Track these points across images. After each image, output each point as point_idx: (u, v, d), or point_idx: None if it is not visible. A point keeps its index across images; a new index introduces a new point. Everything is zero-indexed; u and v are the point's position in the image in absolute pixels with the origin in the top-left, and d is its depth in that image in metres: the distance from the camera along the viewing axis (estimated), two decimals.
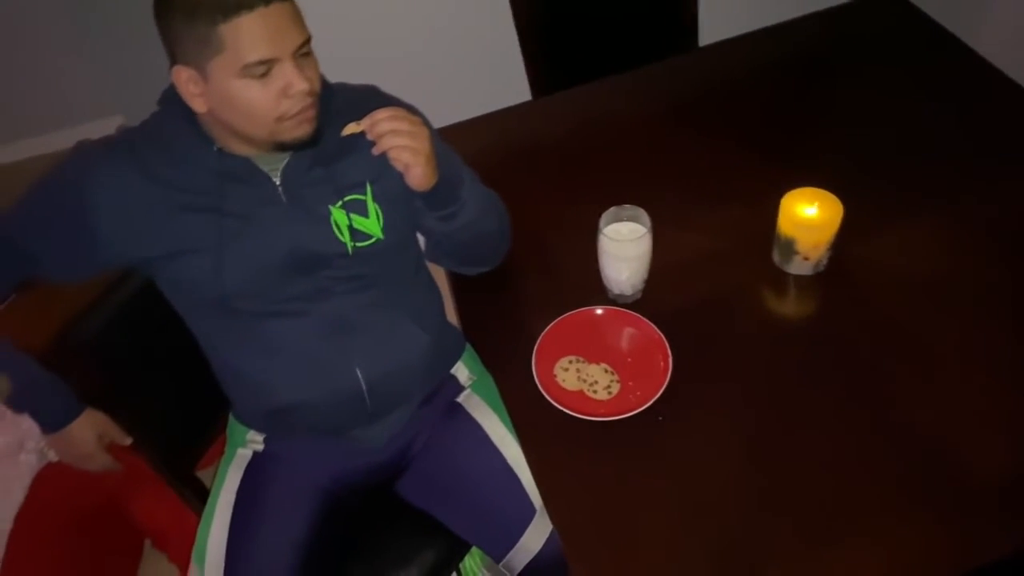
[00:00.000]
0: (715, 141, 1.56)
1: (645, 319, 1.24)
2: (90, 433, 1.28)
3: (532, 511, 1.22)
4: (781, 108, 1.62)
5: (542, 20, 1.81)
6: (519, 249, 1.35)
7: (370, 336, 1.22)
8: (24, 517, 1.68)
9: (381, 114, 1.07)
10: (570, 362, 1.22)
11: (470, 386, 1.36)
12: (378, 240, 1.17)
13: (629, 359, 1.22)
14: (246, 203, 1.11)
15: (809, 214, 1.26)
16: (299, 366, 1.21)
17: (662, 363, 1.19)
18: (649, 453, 1.13)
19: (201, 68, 1.00)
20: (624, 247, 1.22)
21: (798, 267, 1.29)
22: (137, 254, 1.13)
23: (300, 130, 1.07)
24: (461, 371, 1.37)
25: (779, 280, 1.31)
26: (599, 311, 1.27)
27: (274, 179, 1.12)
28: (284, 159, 1.12)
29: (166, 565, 1.82)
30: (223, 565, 1.20)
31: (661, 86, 1.71)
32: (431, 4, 2.19)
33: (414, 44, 2.24)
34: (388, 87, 1.24)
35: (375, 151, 1.07)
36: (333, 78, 1.19)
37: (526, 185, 1.50)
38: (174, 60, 1.02)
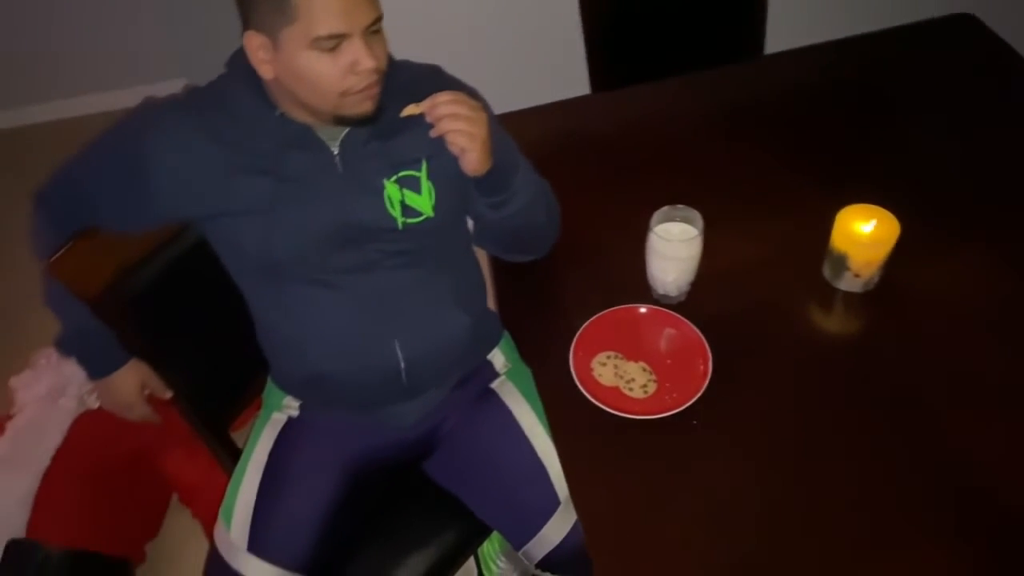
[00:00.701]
0: (773, 150, 1.54)
1: (688, 322, 1.23)
2: (133, 383, 1.31)
3: (556, 503, 1.22)
4: (844, 123, 1.59)
5: (608, 15, 1.81)
6: (566, 241, 1.35)
7: (412, 313, 1.23)
8: (60, 459, 1.73)
9: (442, 97, 1.07)
10: (608, 357, 1.22)
11: (505, 373, 1.36)
12: (428, 218, 1.18)
13: (668, 360, 1.22)
14: (303, 170, 1.12)
15: (865, 230, 1.24)
16: (338, 337, 1.22)
17: (701, 367, 1.18)
18: (680, 456, 1.13)
19: (273, 36, 1.02)
20: (674, 247, 1.21)
21: (848, 283, 1.27)
22: (191, 211, 1.15)
23: (362, 107, 1.08)
24: (497, 358, 1.37)
25: (827, 295, 1.29)
26: (642, 309, 1.26)
27: (332, 149, 1.13)
28: (344, 130, 1.13)
29: (190, 521, 1.86)
30: (249, 524, 1.22)
31: (723, 91, 1.69)
32: None
33: (479, 28, 2.24)
34: (451, 68, 1.24)
35: (433, 133, 1.08)
36: (397, 55, 1.19)
37: (578, 178, 1.49)
38: (247, 25, 1.04)
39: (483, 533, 1.38)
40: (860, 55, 1.73)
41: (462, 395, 1.34)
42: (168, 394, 1.35)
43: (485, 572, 1.65)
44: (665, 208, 1.24)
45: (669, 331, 1.24)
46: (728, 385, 1.17)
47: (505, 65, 2.17)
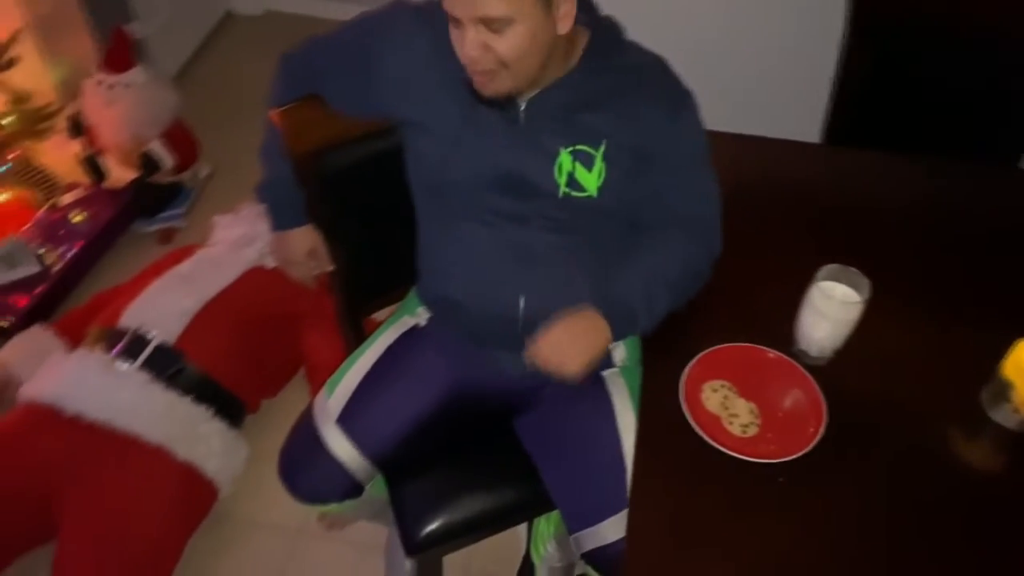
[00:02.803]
0: (973, 259, 1.44)
1: (815, 384, 1.19)
2: (304, 244, 1.45)
3: (624, 504, 1.21)
4: None
5: (866, 74, 1.74)
6: (728, 266, 1.32)
7: (544, 274, 1.26)
8: (224, 295, 1.92)
9: (540, 353, 1.17)
10: (721, 386, 1.20)
11: (620, 367, 1.37)
12: (590, 196, 1.20)
13: (780, 413, 1.18)
14: (489, 116, 1.18)
15: None
16: (472, 270, 1.29)
17: (811, 430, 1.14)
18: (752, 507, 1.10)
19: None
20: (832, 306, 1.17)
21: (1004, 416, 1.17)
22: (397, 110, 1.25)
23: (480, 87, 1.14)
24: (619, 350, 1.38)
25: (976, 420, 1.19)
26: (771, 355, 1.23)
27: (520, 103, 1.18)
28: (536, 89, 1.17)
29: (306, 397, 2.00)
30: (347, 401, 1.32)
31: (951, 186, 1.58)
32: (764, 11, 2.16)
33: (731, 40, 2.19)
34: (688, 70, 1.23)
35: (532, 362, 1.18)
36: (637, 36, 1.22)
37: (766, 214, 1.48)
38: None
39: (542, 506, 1.40)
40: None
41: None
42: (329, 267, 1.48)
43: (532, 550, 1.67)
44: (836, 266, 1.19)
45: (793, 388, 1.20)
46: (830, 461, 1.12)
47: (737, 84, 2.11)
